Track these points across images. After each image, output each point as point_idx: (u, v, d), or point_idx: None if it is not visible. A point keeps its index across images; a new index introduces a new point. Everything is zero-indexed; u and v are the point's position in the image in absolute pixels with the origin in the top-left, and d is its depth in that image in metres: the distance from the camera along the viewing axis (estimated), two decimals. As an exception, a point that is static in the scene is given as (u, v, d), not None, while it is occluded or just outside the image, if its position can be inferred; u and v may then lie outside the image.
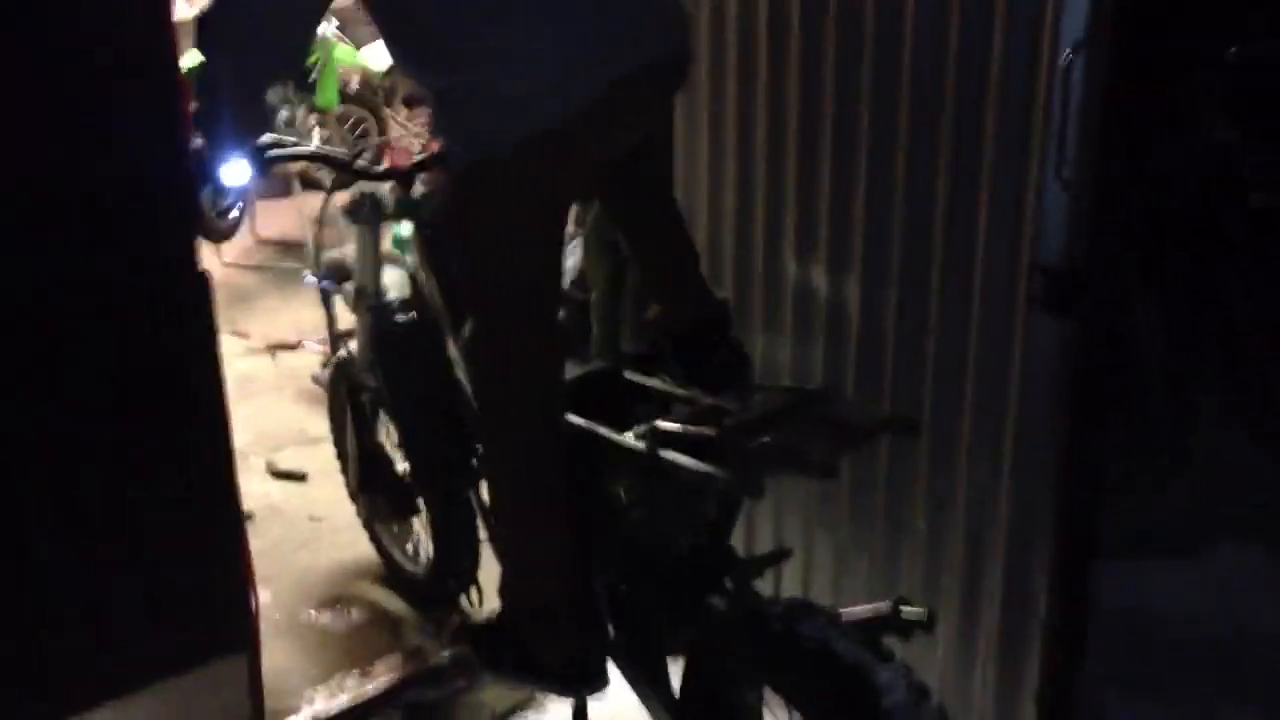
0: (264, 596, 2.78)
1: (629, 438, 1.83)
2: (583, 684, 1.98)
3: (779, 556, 2.15)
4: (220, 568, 2.16)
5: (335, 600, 2.85)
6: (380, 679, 2.50)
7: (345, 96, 5.91)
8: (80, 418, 1.96)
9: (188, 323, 2.04)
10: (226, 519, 2.17)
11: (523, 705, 2.46)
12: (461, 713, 2.46)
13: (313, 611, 2.81)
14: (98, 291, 1.93)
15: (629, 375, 2.11)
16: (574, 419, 1.97)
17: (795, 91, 2.29)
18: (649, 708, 1.98)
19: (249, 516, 3.10)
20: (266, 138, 2.24)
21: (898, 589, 2.22)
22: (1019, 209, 1.94)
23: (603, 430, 1.91)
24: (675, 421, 1.79)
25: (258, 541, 2.99)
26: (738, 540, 2.20)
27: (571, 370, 2.10)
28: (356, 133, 6.01)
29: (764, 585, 2.03)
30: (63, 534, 1.97)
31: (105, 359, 1.97)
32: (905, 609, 1.72)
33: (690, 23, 2.21)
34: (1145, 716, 2.36)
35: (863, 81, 2.15)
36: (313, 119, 5.59)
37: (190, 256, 2.03)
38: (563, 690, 2.04)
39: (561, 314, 2.57)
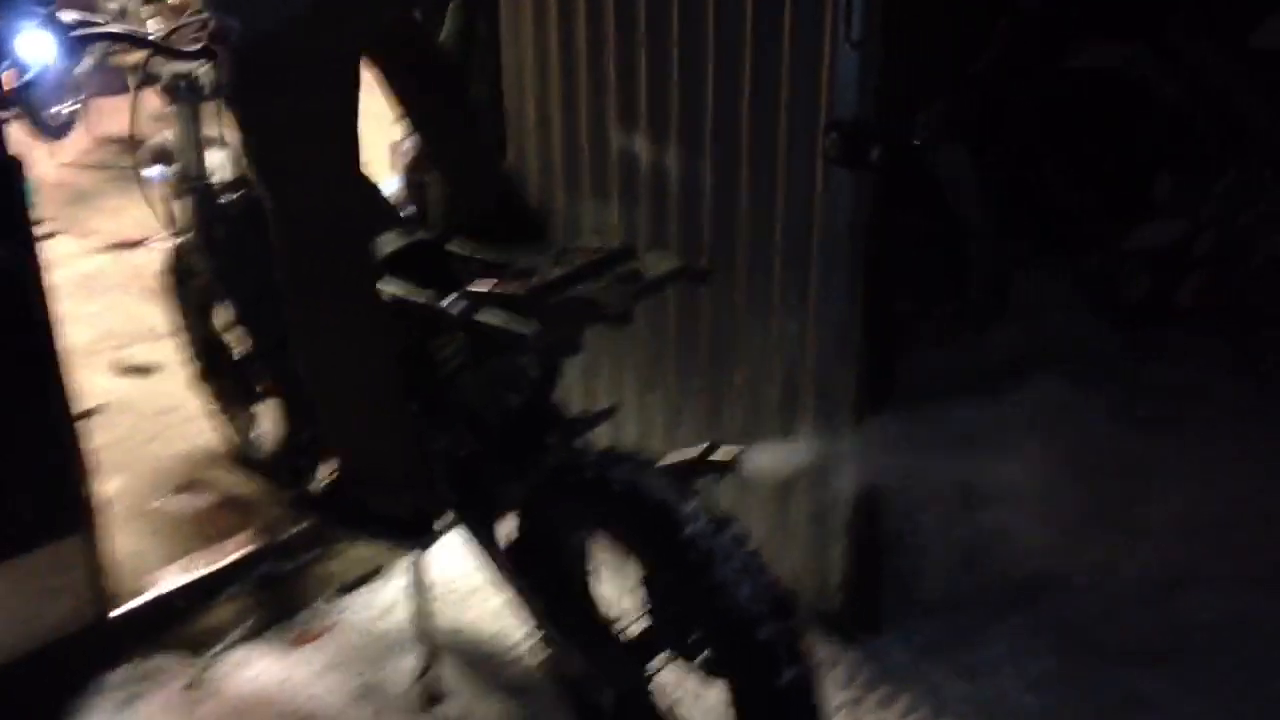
0: (115, 485, 2.80)
1: (444, 304, 1.89)
2: (417, 537, 2.08)
3: (603, 415, 2.24)
4: (50, 455, 2.17)
5: (187, 486, 2.88)
6: (232, 554, 2.55)
7: (180, -17, 5.66)
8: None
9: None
10: (54, 408, 2.18)
11: (370, 575, 2.56)
12: (312, 583, 2.54)
13: (164, 498, 2.84)
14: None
15: (453, 246, 2.16)
16: (395, 288, 2.01)
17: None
18: (486, 562, 2.09)
19: (98, 410, 3.11)
20: (72, 15, 2.15)
21: (724, 434, 2.35)
22: (815, 69, 2.03)
23: (419, 298, 1.97)
24: (486, 285, 1.86)
25: (107, 435, 3.01)
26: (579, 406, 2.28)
27: (395, 242, 2.13)
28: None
29: (602, 442, 2.10)
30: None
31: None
32: (716, 453, 1.84)
33: None
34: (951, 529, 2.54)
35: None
36: (146, 9, 5.35)
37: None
38: (399, 543, 2.16)
39: (389, 190, 2.61)
